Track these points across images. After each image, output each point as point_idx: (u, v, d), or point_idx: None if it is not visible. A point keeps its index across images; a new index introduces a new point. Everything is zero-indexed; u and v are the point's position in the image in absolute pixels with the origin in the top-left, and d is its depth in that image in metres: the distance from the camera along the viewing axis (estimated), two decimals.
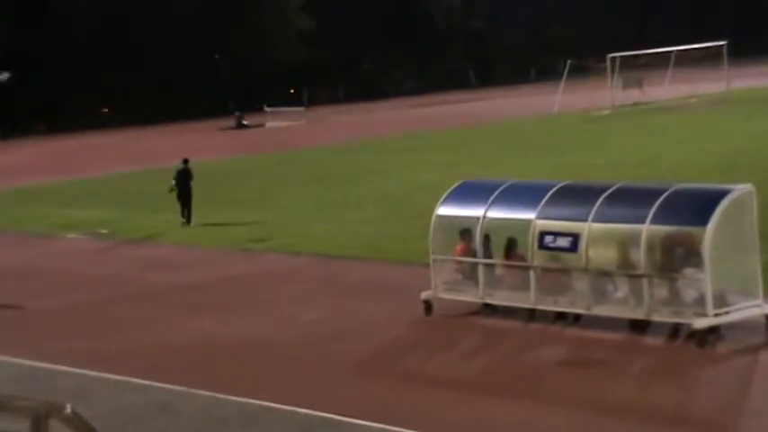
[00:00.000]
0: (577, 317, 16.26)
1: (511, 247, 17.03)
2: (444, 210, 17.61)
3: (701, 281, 14.92)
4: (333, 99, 79.44)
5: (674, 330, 15.35)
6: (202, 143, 54.38)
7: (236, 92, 75.80)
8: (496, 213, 17.02)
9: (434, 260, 17.55)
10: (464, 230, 17.39)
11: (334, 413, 13.12)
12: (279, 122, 65.93)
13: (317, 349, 16.19)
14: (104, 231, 28.69)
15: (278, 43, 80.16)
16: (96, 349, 16.98)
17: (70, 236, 28.75)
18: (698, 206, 15.35)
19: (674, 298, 15.30)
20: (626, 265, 15.66)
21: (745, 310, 15.19)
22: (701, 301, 14.97)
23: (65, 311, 20.01)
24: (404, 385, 14.30)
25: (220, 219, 28.94)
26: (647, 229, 15.25)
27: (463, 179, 18.54)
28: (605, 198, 15.99)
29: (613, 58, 55.57)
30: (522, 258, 16.71)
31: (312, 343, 16.53)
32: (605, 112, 51.63)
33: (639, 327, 15.55)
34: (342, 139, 51.03)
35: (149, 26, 74.93)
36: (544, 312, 16.45)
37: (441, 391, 13.91)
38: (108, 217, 30.98)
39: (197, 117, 70.29)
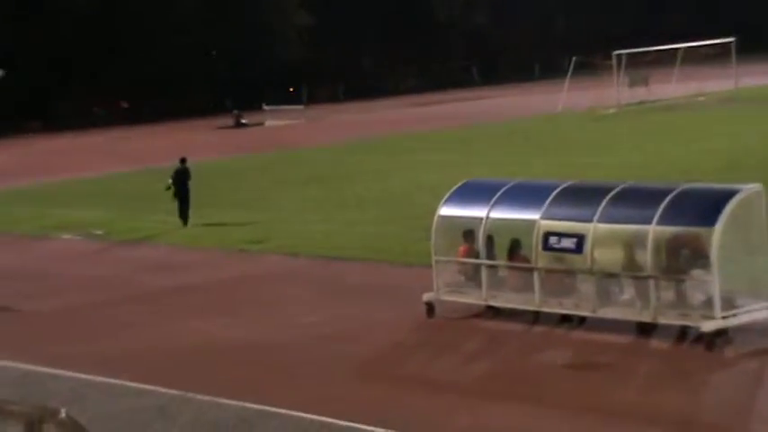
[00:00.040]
0: (582, 319, 16.26)
1: (514, 249, 17.03)
2: (447, 210, 17.62)
3: (709, 282, 14.92)
4: (333, 97, 79.43)
5: (682, 333, 15.36)
6: (200, 142, 54.38)
7: (233, 90, 75.81)
8: (500, 214, 17.02)
9: (437, 261, 17.56)
10: (467, 231, 17.39)
11: (334, 417, 13.12)
12: (278, 121, 65.93)
13: (317, 352, 16.19)
14: (99, 232, 28.70)
15: (277, 40, 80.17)
16: (91, 352, 16.98)
17: (65, 237, 28.76)
18: (705, 206, 15.35)
19: (682, 300, 15.30)
20: (632, 266, 15.66)
21: (754, 312, 15.19)
22: (708, 303, 14.97)
23: (59, 314, 20.01)
24: (405, 389, 14.30)
25: (218, 219, 28.94)
26: (653, 229, 15.25)
27: (465, 179, 18.54)
28: (611, 198, 15.99)
29: (619, 55, 55.53)
30: (526, 260, 16.71)
31: (311, 346, 16.54)
32: (611, 111, 51.62)
33: (646, 329, 15.55)
34: (342, 138, 51.03)
35: (145, 23, 74.93)
36: (548, 315, 16.45)
37: (443, 395, 13.91)
38: (103, 217, 30.99)
39: (194, 115, 70.28)
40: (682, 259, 15.47)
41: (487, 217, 16.99)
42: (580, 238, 15.89)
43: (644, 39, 62.08)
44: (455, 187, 17.93)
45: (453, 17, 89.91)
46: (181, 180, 28.61)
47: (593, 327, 15.95)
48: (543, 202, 16.49)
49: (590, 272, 15.85)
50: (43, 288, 22.42)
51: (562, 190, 16.69)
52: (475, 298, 17.21)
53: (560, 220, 16.24)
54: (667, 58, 57.83)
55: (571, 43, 79.39)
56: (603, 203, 15.92)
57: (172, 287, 21.49)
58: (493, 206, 17.05)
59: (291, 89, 77.57)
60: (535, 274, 16.34)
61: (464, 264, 17.42)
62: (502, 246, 17.15)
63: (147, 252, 25.83)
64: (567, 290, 16.28)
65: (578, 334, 16.05)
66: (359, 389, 14.39)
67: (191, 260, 24.22)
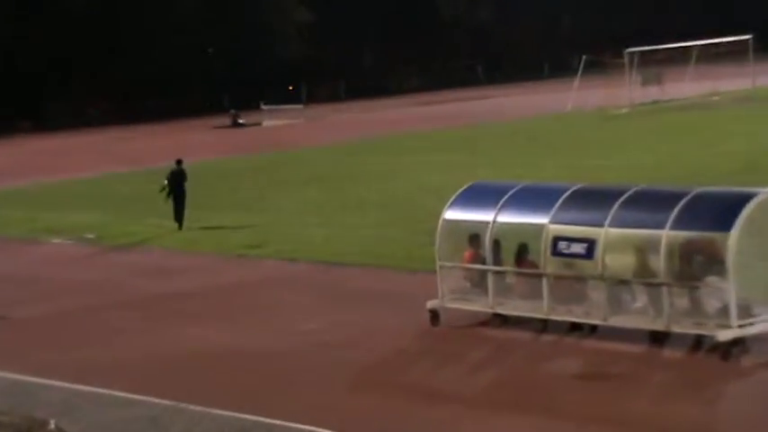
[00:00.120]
0: (593, 328, 16.23)
1: (522, 254, 17.01)
2: (452, 214, 17.60)
3: (725, 290, 14.89)
4: (333, 96, 79.48)
5: (696, 342, 15.32)
6: (196, 142, 54.43)
7: (231, 88, 75.86)
8: (507, 218, 17.00)
9: (441, 267, 17.53)
10: (473, 236, 17.37)
11: (334, 428, 13.10)
12: (276, 121, 65.98)
13: (316, 360, 16.18)
14: (91, 236, 28.70)
15: (276, 38, 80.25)
16: (82, 361, 16.97)
17: (55, 241, 28.76)
18: (721, 210, 15.33)
19: (696, 308, 15.27)
20: (645, 272, 15.63)
21: None
22: (724, 311, 14.94)
23: (49, 321, 20.00)
24: (408, 399, 14.28)
25: (215, 223, 28.94)
26: (667, 234, 15.22)
27: (471, 181, 18.52)
28: (623, 202, 15.97)
29: (631, 52, 55.52)
30: (535, 265, 16.68)
31: (311, 353, 16.52)
32: (623, 111, 51.61)
33: (659, 338, 15.52)
34: (342, 138, 51.05)
35: (140, 20, 75.05)
36: (558, 323, 16.42)
37: (447, 406, 13.89)
38: (96, 221, 30.99)
39: (190, 115, 70.36)
40: (696, 265, 15.44)
41: (494, 221, 16.97)
42: (590, 244, 15.86)
43: (652, 37, 62.09)
44: (460, 190, 17.91)
45: (458, 14, 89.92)
46: (177, 182, 28.62)
47: (604, 335, 15.92)
48: (552, 205, 16.47)
49: (601, 278, 15.82)
50: (33, 294, 22.42)
51: (572, 193, 16.67)
52: (481, 305, 17.18)
53: (570, 224, 16.22)
54: (679, 57, 57.82)
55: (578, 41, 79.46)
56: (615, 207, 15.90)
57: (166, 293, 21.48)
58: (500, 210, 17.02)
59: (291, 88, 77.62)
60: (544, 281, 16.31)
61: (470, 270, 17.40)
62: (509, 251, 17.12)
63: (141, 256, 25.82)
64: (577, 297, 16.25)
65: (589, 343, 16.03)
66: (359, 398, 14.36)
67: (186, 265, 24.22)
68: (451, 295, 17.49)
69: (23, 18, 72.11)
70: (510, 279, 17.14)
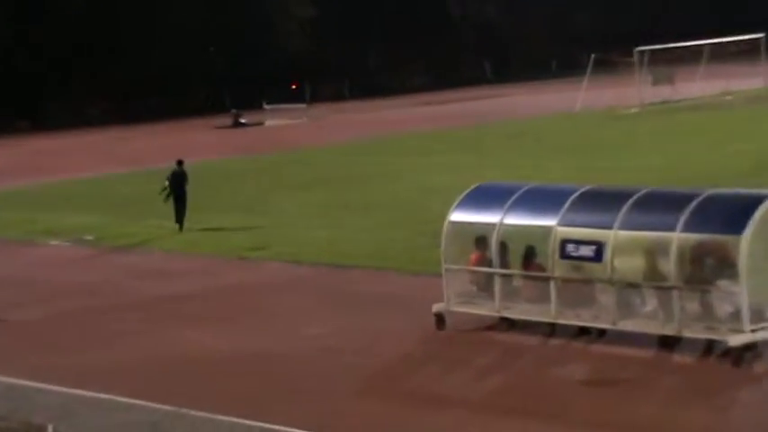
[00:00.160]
0: (602, 332, 16.21)
1: (530, 257, 16.99)
2: (458, 215, 17.59)
3: (737, 294, 14.87)
4: (337, 95, 79.49)
5: (707, 347, 15.30)
6: (196, 142, 54.47)
7: (232, 87, 75.91)
8: (514, 220, 16.99)
9: (447, 270, 17.53)
10: (479, 238, 17.36)
11: None
12: (279, 121, 66.01)
13: (320, 365, 16.18)
14: (90, 238, 28.73)
15: (278, 34, 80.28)
16: (81, 364, 16.99)
17: (53, 243, 28.80)
18: (733, 213, 15.31)
19: (707, 312, 15.25)
20: (655, 276, 15.62)
21: None
22: (736, 315, 14.92)
23: (48, 324, 20.02)
24: (413, 405, 14.28)
25: (216, 224, 28.96)
26: (677, 237, 15.21)
27: (477, 182, 18.51)
28: (632, 204, 15.95)
29: (642, 51, 55.48)
30: (542, 268, 16.67)
31: (314, 358, 16.53)
32: (633, 111, 51.57)
33: (669, 343, 15.50)
34: (346, 138, 51.07)
35: (140, 20, 75.13)
36: (565, 327, 16.41)
37: (452, 411, 13.88)
38: (94, 222, 31.02)
39: (191, 114, 70.42)
40: (707, 269, 15.42)
41: (501, 223, 16.96)
42: (599, 246, 15.85)
43: (661, 35, 62.06)
44: (467, 191, 17.90)
45: (465, 11, 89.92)
46: (178, 183, 28.65)
47: (613, 340, 15.91)
48: (560, 207, 16.46)
49: (610, 282, 15.80)
50: (31, 296, 22.44)
51: (580, 195, 16.66)
52: (487, 309, 17.17)
53: (578, 226, 16.21)
54: (690, 56, 57.74)
55: (586, 39, 79.38)
56: (624, 209, 15.88)
57: (166, 295, 21.49)
58: (507, 211, 17.01)
59: (294, 86, 77.62)
60: (551, 284, 16.30)
61: (476, 272, 17.39)
62: (516, 253, 17.11)
63: (141, 258, 25.85)
64: (586, 301, 16.24)
65: (597, 347, 16.01)
66: (363, 404, 14.36)
67: (187, 267, 24.23)
68: (457, 299, 17.48)
69: (23, 18, 72.28)
70: (517, 282, 17.13)
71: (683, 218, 15.27)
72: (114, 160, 48.64)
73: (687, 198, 15.71)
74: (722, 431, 13.01)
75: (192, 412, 14.16)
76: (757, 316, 14.96)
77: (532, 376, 15.22)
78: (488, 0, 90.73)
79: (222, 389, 15.33)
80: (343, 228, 27.14)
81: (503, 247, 17.06)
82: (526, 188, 17.49)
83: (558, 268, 16.28)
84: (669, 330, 15.38)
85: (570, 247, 16.12)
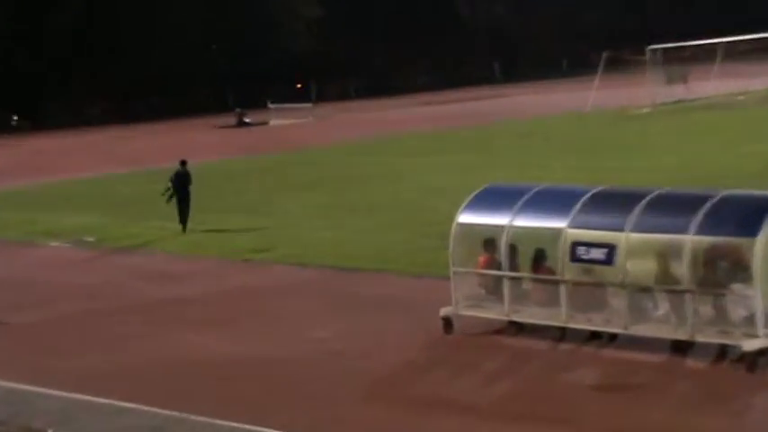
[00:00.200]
0: (613, 336, 16.19)
1: (539, 259, 16.98)
2: (466, 217, 17.58)
3: (751, 297, 14.84)
4: (343, 95, 79.61)
5: (721, 352, 15.28)
6: (200, 142, 54.54)
7: (236, 86, 75.99)
8: (524, 222, 16.98)
9: (455, 273, 17.51)
10: (488, 240, 17.35)
11: None
12: (284, 120, 66.06)
13: (325, 369, 16.17)
14: (91, 239, 28.76)
15: (283, 32, 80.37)
16: (82, 368, 17.00)
17: (54, 244, 28.83)
18: (747, 215, 15.28)
19: (721, 316, 15.22)
20: (667, 279, 15.59)
21: None
22: (750, 319, 14.89)
23: (47, 326, 20.04)
24: (419, 410, 14.27)
25: (220, 225, 28.98)
26: (690, 240, 15.18)
27: (486, 183, 18.50)
28: (644, 205, 15.93)
29: (654, 49, 55.42)
30: (552, 271, 16.65)
31: (319, 362, 16.52)
32: (645, 110, 51.53)
33: (682, 348, 15.47)
34: (352, 138, 51.09)
35: (140, 19, 75.25)
36: (576, 331, 16.38)
37: (460, 417, 13.87)
38: (96, 223, 31.06)
39: (194, 114, 70.53)
40: (720, 272, 15.40)
41: (510, 225, 16.94)
42: (611, 249, 15.83)
43: (681, 32, 61.94)
44: (475, 192, 17.88)
45: (473, 9, 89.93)
46: (181, 183, 28.67)
47: (625, 344, 15.89)
48: (571, 209, 16.43)
49: (621, 285, 15.78)
50: (31, 298, 22.46)
51: (591, 196, 16.64)
52: (496, 313, 17.15)
53: (589, 228, 16.18)
54: (704, 54, 57.67)
55: (596, 37, 79.35)
56: (636, 211, 15.86)
57: (169, 298, 21.51)
58: (516, 213, 17.00)
59: (299, 86, 77.73)
60: (562, 288, 16.28)
61: (484, 275, 17.37)
62: (526, 256, 17.10)
63: (143, 260, 25.87)
64: (597, 304, 16.21)
65: (608, 352, 15.99)
66: (369, 409, 14.35)
67: (190, 269, 24.25)
68: (465, 302, 17.47)
69: (23, 18, 72.50)
70: (526, 285, 17.11)
71: (696, 220, 15.25)
72: (114, 160, 48.71)
73: (700, 200, 15.68)
74: None
75: (193, 417, 14.16)
76: None
77: (542, 381, 15.20)
78: (498, 0, 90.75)
79: (225, 393, 15.33)
80: (349, 229, 27.14)
81: (512, 249, 17.04)
82: (536, 189, 17.47)
83: (569, 271, 16.26)
84: (682, 335, 15.35)
85: (581, 250, 16.10)
